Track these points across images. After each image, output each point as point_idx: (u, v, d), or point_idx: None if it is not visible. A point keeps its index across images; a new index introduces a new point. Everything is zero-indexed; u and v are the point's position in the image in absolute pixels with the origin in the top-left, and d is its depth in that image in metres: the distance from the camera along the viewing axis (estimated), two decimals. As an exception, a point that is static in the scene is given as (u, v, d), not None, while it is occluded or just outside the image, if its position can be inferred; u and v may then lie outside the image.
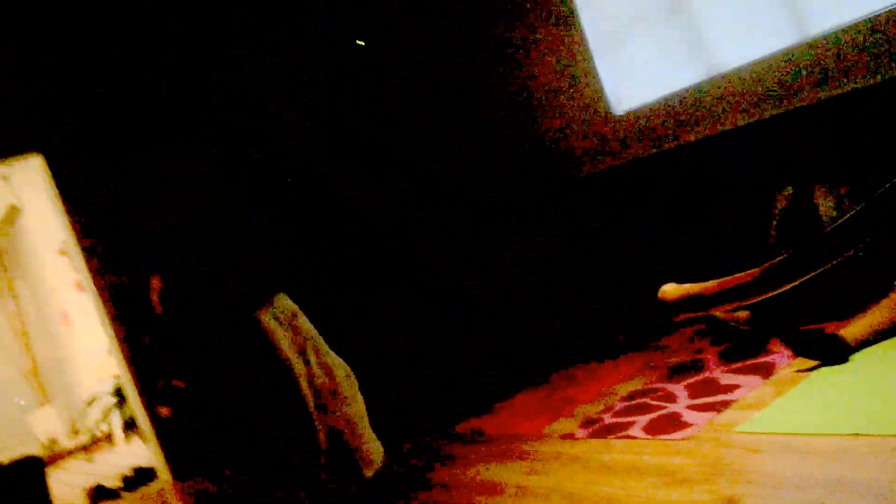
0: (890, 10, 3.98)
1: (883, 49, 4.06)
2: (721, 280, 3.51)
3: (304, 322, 3.52)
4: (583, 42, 5.40)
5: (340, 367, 3.54)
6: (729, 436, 3.07)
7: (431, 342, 5.08)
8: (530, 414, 4.18)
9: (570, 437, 3.66)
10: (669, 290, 3.63)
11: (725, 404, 3.36)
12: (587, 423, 3.73)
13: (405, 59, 5.64)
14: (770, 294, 3.47)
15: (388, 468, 3.87)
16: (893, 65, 4.01)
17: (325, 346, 3.55)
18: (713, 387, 3.59)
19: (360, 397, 3.58)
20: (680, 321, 4.03)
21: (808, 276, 3.71)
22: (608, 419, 3.67)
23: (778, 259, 3.49)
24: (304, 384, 3.38)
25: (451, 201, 5.53)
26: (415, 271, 5.43)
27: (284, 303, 3.51)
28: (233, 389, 3.46)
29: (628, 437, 3.40)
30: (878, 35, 4.05)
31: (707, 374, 3.78)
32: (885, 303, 3.44)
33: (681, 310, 3.67)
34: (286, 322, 3.45)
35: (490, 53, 5.94)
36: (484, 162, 5.70)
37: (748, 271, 3.46)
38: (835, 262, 3.52)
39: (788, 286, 3.43)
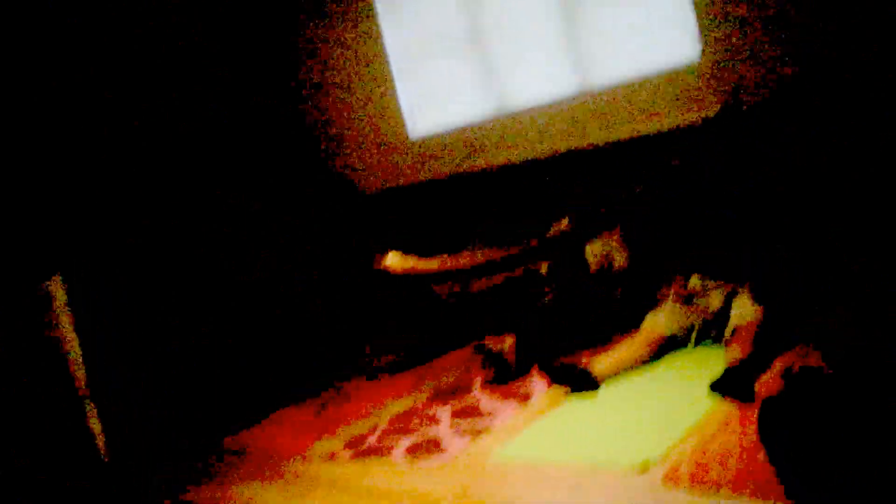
0: (661, 74, 4.34)
1: (645, 107, 4.42)
2: (442, 259, 3.50)
3: None
4: (384, 61, 5.45)
5: None
6: (483, 463, 3.18)
7: (198, 352, 4.88)
8: (297, 431, 4.12)
9: (333, 457, 3.64)
10: (394, 261, 3.52)
11: (484, 430, 3.48)
12: (351, 443, 3.73)
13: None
14: (481, 280, 3.56)
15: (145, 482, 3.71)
16: (656, 119, 4.37)
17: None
18: (476, 412, 3.72)
19: None
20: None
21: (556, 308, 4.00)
22: (372, 440, 3.70)
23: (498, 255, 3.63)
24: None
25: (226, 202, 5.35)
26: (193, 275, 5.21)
27: None
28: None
29: (389, 461, 3.43)
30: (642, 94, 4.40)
31: (472, 397, 3.91)
32: (632, 339, 3.73)
33: (402, 282, 3.62)
34: None
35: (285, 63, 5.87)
36: (261, 165, 5.60)
37: (468, 254, 3.47)
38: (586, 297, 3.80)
39: (497, 276, 3.55)
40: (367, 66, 5.54)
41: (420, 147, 5.45)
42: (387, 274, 3.35)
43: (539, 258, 4.48)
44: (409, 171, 5.54)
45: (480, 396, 3.89)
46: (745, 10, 3.95)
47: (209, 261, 5.15)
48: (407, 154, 5.52)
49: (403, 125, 5.50)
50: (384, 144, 5.62)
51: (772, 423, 2.23)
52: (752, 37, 3.95)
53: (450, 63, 5.24)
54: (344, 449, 3.69)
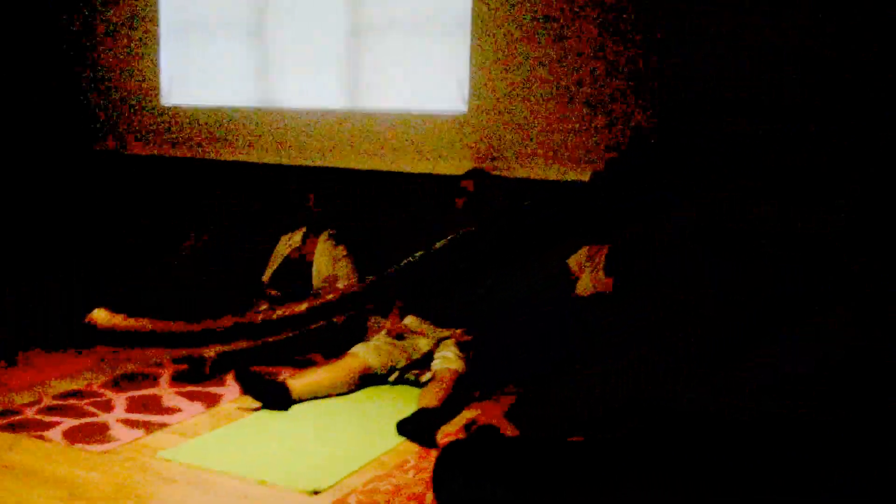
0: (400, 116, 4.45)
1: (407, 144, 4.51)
2: (160, 323, 3.17)
3: None
4: (155, 25, 5.11)
5: None
6: (150, 459, 2.96)
7: None
8: (-57, 388, 3.61)
9: (-23, 424, 3.22)
10: (101, 318, 3.10)
11: (161, 426, 3.26)
12: (5, 412, 3.32)
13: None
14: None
15: None
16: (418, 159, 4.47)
17: None
18: (155, 405, 3.48)
19: None
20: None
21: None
22: (31, 414, 3.32)
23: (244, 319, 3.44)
24: None
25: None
26: None
27: None
28: None
29: (44, 438, 3.10)
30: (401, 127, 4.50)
31: (155, 390, 3.66)
32: (335, 364, 3.70)
33: (111, 339, 3.26)
34: None
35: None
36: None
37: (197, 323, 3.20)
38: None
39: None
40: (138, 27, 5.16)
41: (172, 116, 5.13)
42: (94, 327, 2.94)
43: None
44: (157, 139, 5.19)
45: (165, 391, 3.66)
46: (511, 83, 4.18)
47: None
48: (157, 119, 5.18)
49: (159, 91, 5.16)
50: (139, 107, 5.23)
51: (445, 470, 2.28)
52: (511, 105, 4.18)
53: (225, 46, 5.02)
54: (1, 418, 3.28)
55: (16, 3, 5.20)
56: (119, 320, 2.84)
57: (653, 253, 3.52)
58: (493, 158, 4.25)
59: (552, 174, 4.12)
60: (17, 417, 3.28)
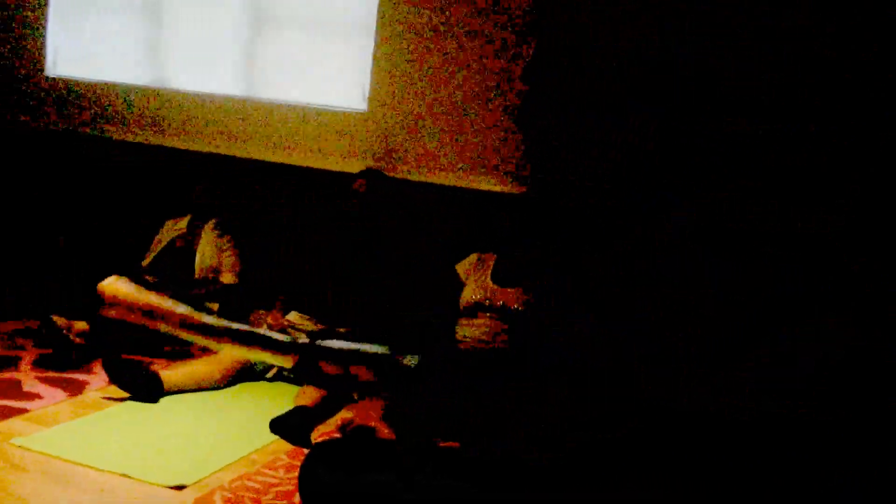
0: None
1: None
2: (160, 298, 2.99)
3: None
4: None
5: None
6: (3, 446, 2.79)
7: None
8: None
9: None
10: (119, 289, 2.89)
11: (17, 412, 3.08)
12: None
13: None
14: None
15: None
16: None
17: None
18: (14, 390, 3.29)
19: None
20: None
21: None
22: None
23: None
24: None
25: None
26: None
27: None
28: None
29: None
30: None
31: (15, 374, 3.46)
32: (211, 357, 3.60)
33: (118, 311, 3.06)
34: None
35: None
36: None
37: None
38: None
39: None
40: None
41: (57, 86, 4.88)
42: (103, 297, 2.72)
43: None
44: (40, 110, 4.93)
45: (26, 375, 3.46)
46: (414, 83, 4.16)
47: None
48: (40, 89, 4.92)
49: (44, 60, 4.90)
50: (20, 75, 4.95)
51: (313, 463, 2.24)
52: (412, 107, 4.17)
53: (120, 21, 4.81)
54: None
55: None
56: (136, 295, 2.63)
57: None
58: (392, 160, 4.22)
59: (452, 180, 4.12)
60: None
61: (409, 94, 4.17)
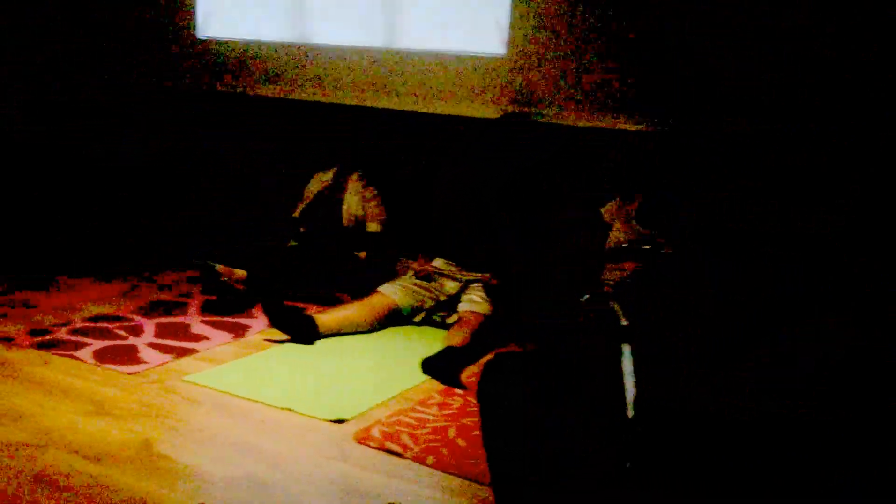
0: (466, 56, 4.38)
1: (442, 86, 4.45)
2: None
3: None
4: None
5: None
6: (176, 382, 3.00)
7: None
8: (-23, 306, 3.67)
9: (9, 340, 3.27)
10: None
11: (188, 352, 3.30)
12: (37, 332, 3.38)
13: None
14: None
15: None
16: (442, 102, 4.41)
17: None
18: (184, 332, 3.51)
19: None
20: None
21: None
22: (63, 335, 3.37)
23: None
24: None
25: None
26: None
27: None
28: None
29: (74, 357, 3.14)
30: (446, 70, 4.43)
31: (184, 318, 3.69)
32: (362, 302, 3.71)
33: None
34: None
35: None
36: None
37: None
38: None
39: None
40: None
41: (207, 48, 5.10)
42: None
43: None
44: (190, 72, 5.17)
45: (194, 319, 3.69)
46: (554, 22, 4.08)
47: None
48: (191, 51, 5.15)
49: (195, 22, 5.12)
50: (171, 38, 5.20)
51: (490, 385, 2.25)
52: (552, 48, 4.09)
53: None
54: (25, 335, 3.33)
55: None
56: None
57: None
58: (531, 103, 4.17)
59: (593, 122, 4.04)
60: (49, 336, 3.34)
61: (546, 35, 4.09)
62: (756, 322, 3.11)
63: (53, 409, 2.69)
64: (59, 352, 3.19)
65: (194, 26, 5.13)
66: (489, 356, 3.25)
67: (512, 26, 4.18)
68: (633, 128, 3.89)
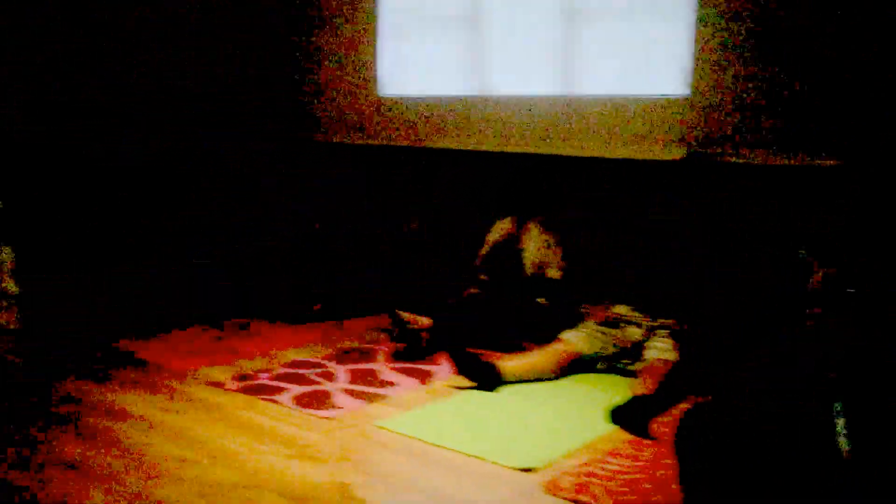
0: (651, 100, 4.34)
1: (623, 128, 4.42)
2: None
3: None
4: (374, 20, 5.36)
5: None
6: (369, 427, 3.11)
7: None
8: (189, 353, 3.98)
9: (219, 385, 3.52)
10: None
11: (378, 397, 3.41)
12: (242, 377, 3.62)
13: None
14: None
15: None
16: (633, 144, 4.37)
17: None
18: (374, 378, 3.65)
19: None
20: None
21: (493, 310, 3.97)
22: (264, 380, 3.59)
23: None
24: None
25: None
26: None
27: None
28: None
29: (275, 402, 3.34)
30: (624, 114, 4.40)
31: (374, 364, 3.84)
32: (545, 349, 3.71)
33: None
34: None
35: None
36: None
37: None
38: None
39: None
40: (356, 16, 5.42)
41: (388, 106, 5.35)
42: None
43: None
44: (371, 129, 5.44)
45: (382, 366, 3.82)
46: (742, 60, 3.96)
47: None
48: (372, 110, 5.42)
49: (376, 81, 5.40)
50: (353, 95, 5.50)
51: (688, 436, 2.20)
52: (740, 86, 3.97)
53: (440, 34, 5.16)
54: (232, 380, 3.57)
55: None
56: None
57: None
58: (716, 143, 4.06)
59: (783, 161, 3.87)
60: (253, 382, 3.56)
61: (734, 74, 3.98)
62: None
63: (260, 452, 2.86)
64: (263, 396, 3.40)
65: (376, 84, 5.40)
66: (680, 406, 3.16)
67: (695, 66, 4.11)
68: (829, 163, 3.70)
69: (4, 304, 3.74)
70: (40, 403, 3.31)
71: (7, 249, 3.78)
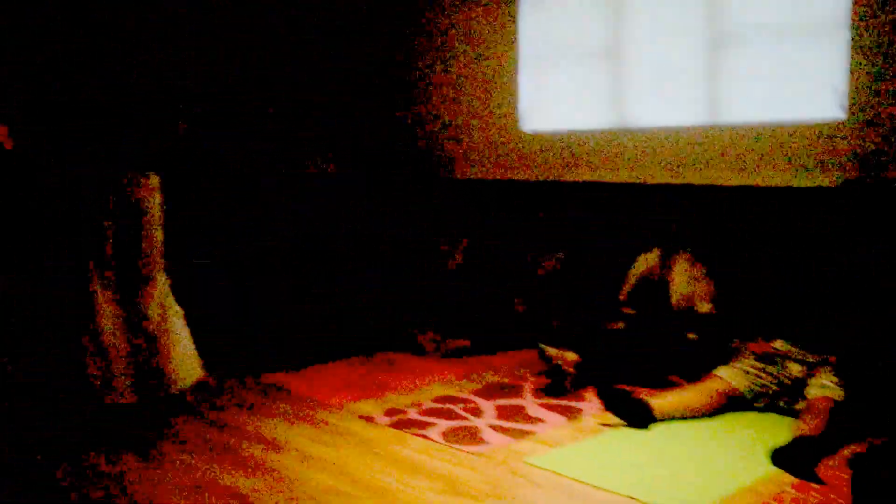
0: (799, 124, 4.17)
1: (775, 154, 4.25)
2: None
3: None
4: (514, 54, 5.42)
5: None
6: (519, 464, 3.09)
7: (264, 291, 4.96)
8: (339, 386, 4.10)
9: (370, 419, 3.60)
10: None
11: (526, 434, 3.39)
12: (391, 411, 3.69)
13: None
14: None
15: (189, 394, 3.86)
16: (786, 172, 4.20)
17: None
18: (521, 414, 3.63)
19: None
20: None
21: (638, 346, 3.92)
22: (413, 414, 3.65)
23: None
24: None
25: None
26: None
27: None
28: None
29: (425, 437, 3.38)
30: (776, 141, 4.23)
31: (520, 400, 3.82)
32: (698, 386, 3.58)
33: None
34: None
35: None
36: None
37: None
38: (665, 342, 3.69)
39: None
40: (494, 53, 5.50)
41: (529, 142, 5.37)
42: None
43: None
44: (513, 165, 5.48)
45: (529, 402, 3.80)
46: None
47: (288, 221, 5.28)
48: (513, 147, 5.46)
49: (517, 117, 5.43)
50: (493, 133, 5.57)
51: (867, 480, 2.09)
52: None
53: (579, 69, 5.15)
54: (383, 415, 3.65)
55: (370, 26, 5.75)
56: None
57: None
58: (875, 167, 3.84)
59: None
60: (403, 417, 3.62)
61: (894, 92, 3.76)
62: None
63: (412, 486, 2.90)
64: (413, 431, 3.45)
65: (517, 120, 5.45)
66: (850, 447, 2.97)
67: (851, 89, 3.91)
68: None
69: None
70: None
71: None
